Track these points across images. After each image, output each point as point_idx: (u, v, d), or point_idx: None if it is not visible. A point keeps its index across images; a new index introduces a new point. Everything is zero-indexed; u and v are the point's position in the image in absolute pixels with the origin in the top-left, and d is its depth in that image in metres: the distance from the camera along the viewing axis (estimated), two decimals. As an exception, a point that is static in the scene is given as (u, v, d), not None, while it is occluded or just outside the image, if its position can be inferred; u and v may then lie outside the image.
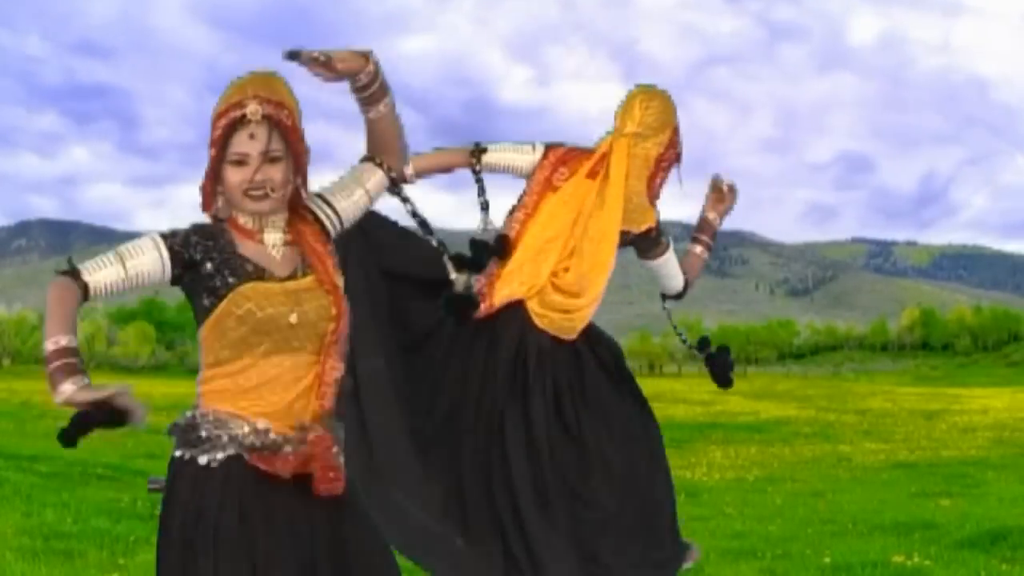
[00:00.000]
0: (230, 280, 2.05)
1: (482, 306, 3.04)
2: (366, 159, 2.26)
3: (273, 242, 2.12)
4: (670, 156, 3.17)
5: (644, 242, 3.24)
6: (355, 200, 2.24)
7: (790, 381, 77.43)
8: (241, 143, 2.05)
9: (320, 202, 2.20)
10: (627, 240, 3.20)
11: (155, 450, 16.78)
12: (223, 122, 2.04)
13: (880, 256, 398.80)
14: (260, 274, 2.07)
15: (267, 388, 2.06)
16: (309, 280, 2.09)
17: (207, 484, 2.02)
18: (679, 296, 3.43)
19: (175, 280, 2.08)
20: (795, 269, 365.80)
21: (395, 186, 2.34)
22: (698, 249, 3.48)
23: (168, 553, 2.03)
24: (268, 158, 2.05)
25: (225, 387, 2.07)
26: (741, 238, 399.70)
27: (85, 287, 2.01)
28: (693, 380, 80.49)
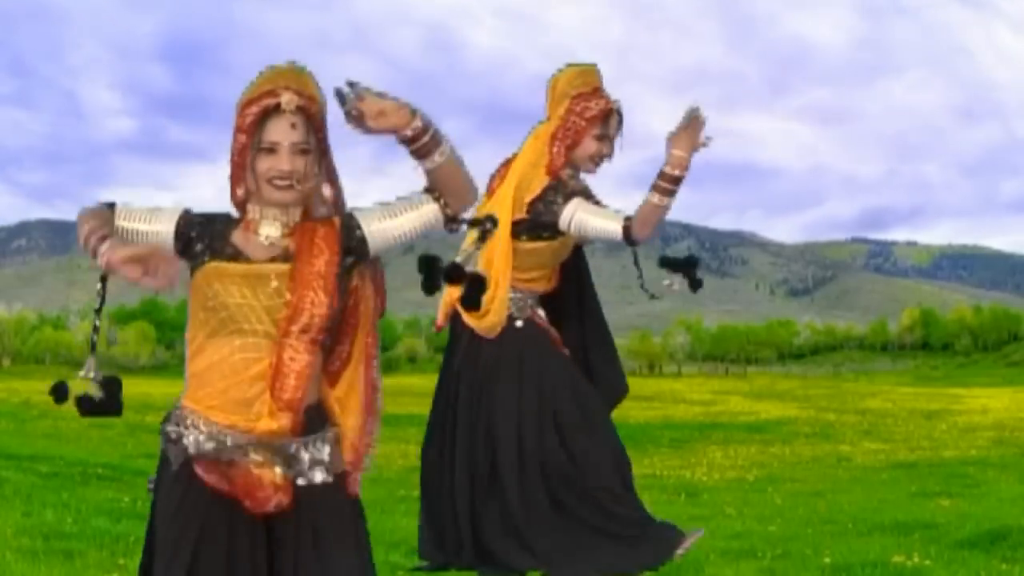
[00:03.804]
0: (205, 258, 2.09)
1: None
2: (426, 191, 2.14)
3: (267, 233, 2.11)
4: (568, 124, 3.14)
5: (539, 216, 3.13)
6: (394, 225, 2.13)
7: (790, 381, 77.41)
8: (275, 131, 2.05)
9: (354, 219, 2.15)
10: (527, 227, 3.16)
11: (155, 450, 16.65)
12: (255, 108, 2.04)
13: (880, 256, 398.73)
14: (235, 257, 2.08)
15: (215, 373, 2.05)
16: (277, 266, 2.07)
17: (173, 484, 2.08)
18: (632, 244, 3.06)
19: (178, 251, 2.13)
20: (795, 269, 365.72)
21: (453, 222, 2.15)
22: (650, 197, 2.97)
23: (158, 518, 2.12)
24: (298, 149, 2.06)
25: (190, 374, 2.11)
26: (741, 238, 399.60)
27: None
28: (693, 380, 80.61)
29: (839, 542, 7.02)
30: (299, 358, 2.04)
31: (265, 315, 2.04)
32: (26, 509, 7.33)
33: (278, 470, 2.03)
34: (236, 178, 2.10)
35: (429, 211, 2.13)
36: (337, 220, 2.14)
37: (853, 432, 25.22)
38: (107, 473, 11.00)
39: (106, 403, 2.14)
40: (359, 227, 2.14)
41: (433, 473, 3.31)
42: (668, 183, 2.96)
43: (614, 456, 3.28)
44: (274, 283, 2.06)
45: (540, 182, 3.13)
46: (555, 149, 3.14)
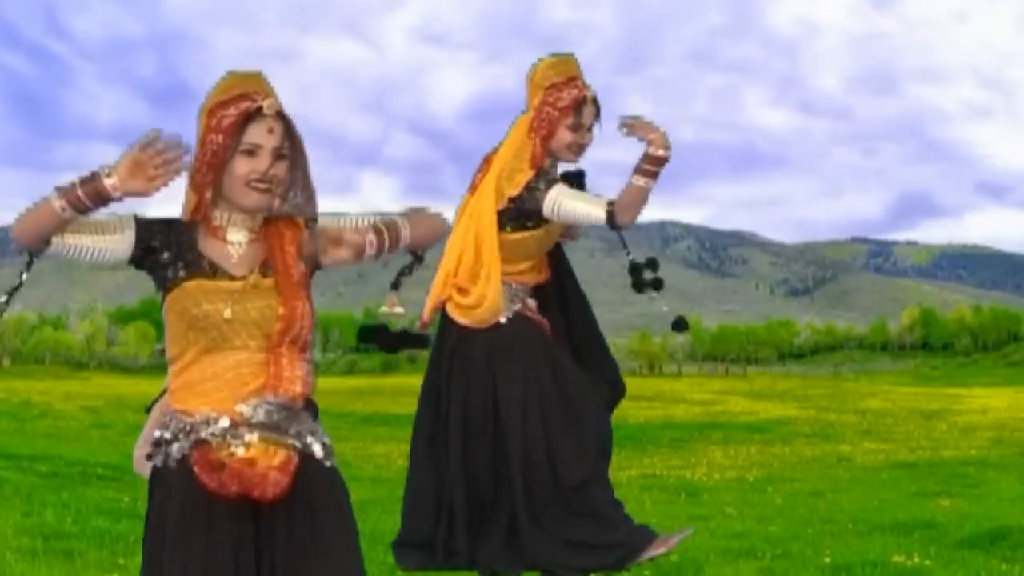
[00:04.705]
0: (180, 274, 2.06)
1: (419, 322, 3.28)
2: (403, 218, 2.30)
3: (236, 240, 2.10)
4: (542, 115, 3.16)
5: (522, 204, 3.15)
6: (343, 254, 2.18)
7: (790, 381, 77.42)
8: (258, 134, 2.03)
9: (314, 233, 2.16)
10: (511, 216, 3.17)
11: (155, 450, 16.80)
12: (232, 110, 2.02)
13: (880, 256, 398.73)
14: (213, 271, 2.06)
15: (212, 385, 2.05)
16: (260, 279, 2.07)
17: (166, 485, 2.05)
18: (616, 228, 3.10)
19: (133, 260, 2.08)
20: (795, 269, 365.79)
21: (417, 258, 2.40)
22: (635, 180, 3.02)
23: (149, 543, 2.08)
24: (278, 153, 2.06)
25: (179, 385, 2.08)
26: (741, 238, 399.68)
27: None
28: (693, 380, 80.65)
29: (839, 542, 7.02)
30: (296, 364, 2.07)
31: (256, 329, 2.05)
32: (26, 509, 7.33)
33: (280, 452, 2.05)
34: (204, 181, 2.06)
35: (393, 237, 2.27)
36: (301, 224, 2.15)
37: (853, 432, 25.26)
38: (107, 473, 11.00)
39: None
40: (317, 246, 2.16)
41: (422, 473, 3.29)
42: (652, 165, 2.99)
43: (592, 453, 3.26)
44: (263, 296, 2.06)
45: (524, 175, 3.14)
46: (533, 141, 3.16)
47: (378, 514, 8.25)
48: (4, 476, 9.28)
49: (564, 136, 3.15)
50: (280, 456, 2.05)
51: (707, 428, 26.91)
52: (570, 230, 3.38)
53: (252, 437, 2.04)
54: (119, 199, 1.97)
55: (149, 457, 2.09)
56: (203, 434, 2.04)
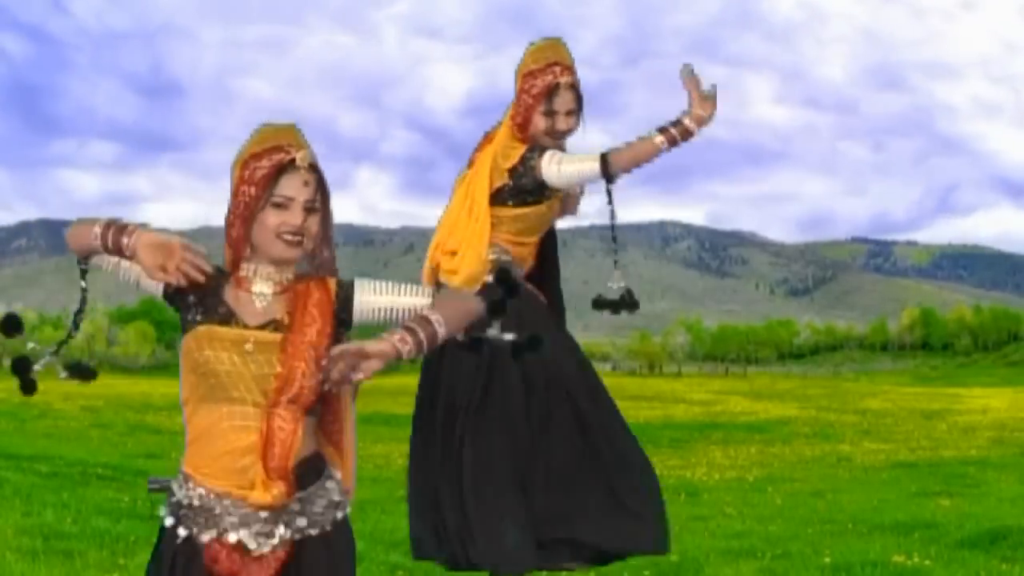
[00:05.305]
0: (197, 318, 2.08)
1: None
2: (436, 296, 2.18)
3: (261, 291, 2.10)
4: (519, 103, 3.19)
5: (519, 180, 3.19)
6: (378, 302, 2.13)
7: (790, 381, 77.46)
8: (290, 187, 2.04)
9: (351, 289, 2.13)
10: (512, 192, 3.21)
11: (155, 450, 16.82)
12: (265, 163, 2.04)
13: (880, 256, 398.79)
14: (227, 319, 2.06)
15: (206, 440, 2.04)
16: (270, 334, 2.05)
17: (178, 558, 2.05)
18: (609, 179, 3.11)
19: (166, 296, 2.13)
20: (795, 269, 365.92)
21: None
22: (654, 136, 3.04)
23: None
24: (309, 207, 2.06)
25: (189, 440, 2.09)
26: (741, 238, 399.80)
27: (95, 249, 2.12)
28: (693, 380, 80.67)
29: (839, 542, 7.03)
30: (286, 427, 2.03)
31: (254, 384, 2.03)
32: (26, 509, 7.34)
33: (254, 545, 2.04)
34: (238, 235, 2.07)
35: (421, 304, 2.14)
36: (332, 285, 2.12)
37: (853, 432, 25.23)
38: (107, 473, 11.01)
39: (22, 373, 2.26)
40: (352, 298, 2.12)
41: (423, 462, 3.27)
42: (680, 134, 3.03)
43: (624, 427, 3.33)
44: (265, 352, 2.04)
45: (518, 151, 3.19)
46: (518, 118, 3.20)
47: (378, 514, 8.26)
48: (4, 476, 9.28)
49: (539, 122, 3.18)
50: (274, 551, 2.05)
51: (707, 428, 26.88)
52: (570, 202, 3.41)
53: (247, 531, 2.03)
54: (127, 257, 2.08)
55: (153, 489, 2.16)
56: (205, 523, 2.04)
